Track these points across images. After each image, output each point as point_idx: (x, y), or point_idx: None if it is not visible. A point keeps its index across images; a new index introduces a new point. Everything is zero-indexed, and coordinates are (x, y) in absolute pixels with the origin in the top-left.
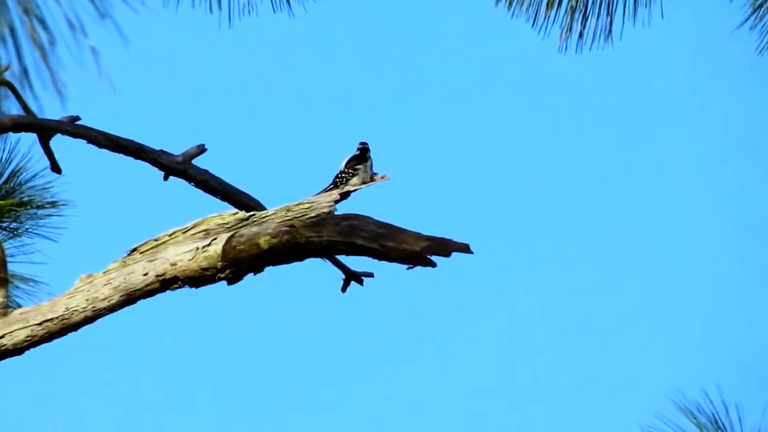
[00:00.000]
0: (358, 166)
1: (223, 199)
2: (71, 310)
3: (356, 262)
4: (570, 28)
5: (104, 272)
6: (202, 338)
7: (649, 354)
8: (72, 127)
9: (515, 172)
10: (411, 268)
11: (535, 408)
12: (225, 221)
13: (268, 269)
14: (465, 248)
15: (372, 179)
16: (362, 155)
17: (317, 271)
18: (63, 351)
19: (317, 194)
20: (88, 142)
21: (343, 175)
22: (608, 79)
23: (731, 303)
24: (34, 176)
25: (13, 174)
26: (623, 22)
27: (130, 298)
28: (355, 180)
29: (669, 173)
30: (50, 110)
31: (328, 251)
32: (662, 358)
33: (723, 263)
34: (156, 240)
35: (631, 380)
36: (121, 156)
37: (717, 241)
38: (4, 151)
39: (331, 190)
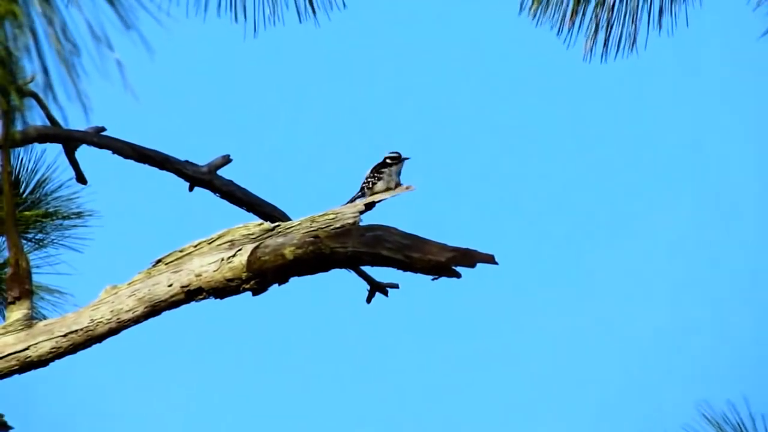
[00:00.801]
0: (383, 170)
1: (248, 210)
2: (96, 321)
3: (381, 273)
4: (595, 37)
5: (129, 283)
6: (226, 349)
7: (676, 365)
8: (97, 138)
9: (540, 182)
10: (436, 278)
11: (558, 423)
12: (250, 232)
13: (293, 280)
14: (490, 259)
15: (396, 187)
16: (389, 164)
17: (342, 282)
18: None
19: (342, 205)
20: (114, 153)
21: (369, 179)
22: (634, 86)
23: (759, 314)
24: (60, 187)
25: (39, 184)
26: (648, 31)
27: (155, 309)
28: (380, 184)
29: (698, 180)
30: (75, 121)
31: (353, 262)
32: (689, 369)
33: (752, 274)
34: (181, 251)
35: (657, 392)
36: (147, 166)
37: (752, 252)
38: (29, 161)
39: (358, 197)
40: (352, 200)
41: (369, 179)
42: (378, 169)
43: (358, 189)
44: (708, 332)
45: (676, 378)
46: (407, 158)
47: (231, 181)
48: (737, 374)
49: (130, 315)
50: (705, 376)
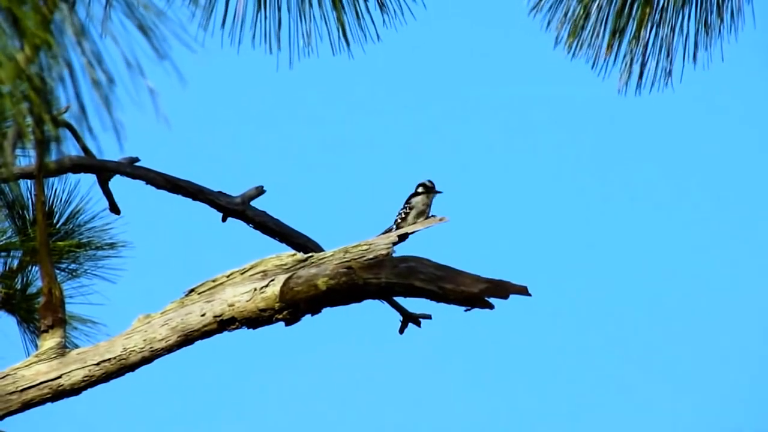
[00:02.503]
0: (412, 200)
1: (281, 241)
2: (129, 350)
3: (414, 304)
4: (630, 71)
5: (162, 313)
6: (258, 378)
7: (707, 393)
8: (131, 168)
9: (575, 213)
10: (468, 310)
11: None
12: (283, 262)
13: (326, 310)
14: (523, 290)
15: (425, 218)
16: (421, 193)
17: (374, 312)
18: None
19: (376, 236)
20: (147, 183)
21: (401, 212)
22: (668, 120)
23: None
24: (93, 218)
25: (73, 215)
26: (683, 65)
27: (188, 338)
28: (412, 214)
29: (730, 212)
30: (109, 151)
31: (385, 293)
32: (720, 397)
33: None
34: (214, 281)
35: (690, 420)
36: (180, 197)
37: None
38: (63, 192)
39: (392, 229)
40: (386, 232)
41: (401, 211)
42: (408, 201)
43: (393, 221)
44: (739, 359)
45: (707, 407)
46: (440, 192)
47: (264, 212)
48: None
49: (163, 344)
50: (736, 405)
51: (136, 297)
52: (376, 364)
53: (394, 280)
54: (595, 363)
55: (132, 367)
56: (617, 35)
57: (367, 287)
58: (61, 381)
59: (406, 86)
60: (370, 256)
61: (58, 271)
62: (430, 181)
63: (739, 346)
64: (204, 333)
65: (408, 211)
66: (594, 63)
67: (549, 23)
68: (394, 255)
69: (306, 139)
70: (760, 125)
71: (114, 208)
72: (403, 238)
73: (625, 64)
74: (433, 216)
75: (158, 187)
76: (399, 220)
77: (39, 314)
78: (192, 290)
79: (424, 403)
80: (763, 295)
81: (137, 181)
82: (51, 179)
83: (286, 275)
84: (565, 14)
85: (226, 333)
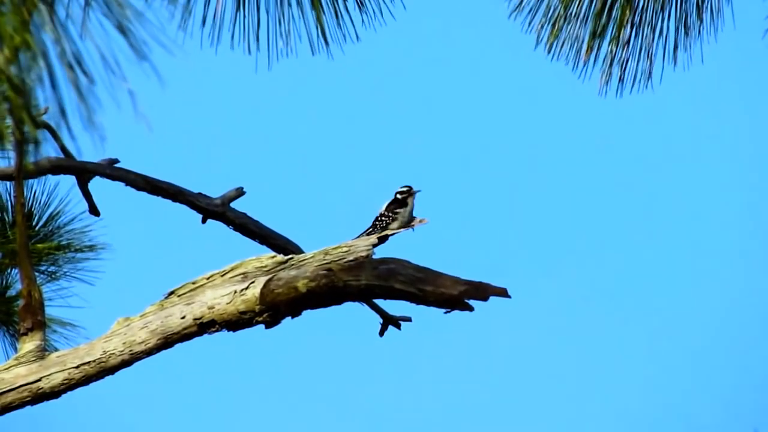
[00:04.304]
0: (398, 210)
1: (261, 242)
2: (108, 353)
3: (393, 306)
4: (610, 72)
5: (141, 315)
6: (239, 380)
7: (727, 394)
8: (110, 170)
9: (555, 215)
10: (448, 312)
11: None
12: (263, 264)
13: (306, 313)
14: (503, 292)
15: (410, 223)
16: (403, 200)
17: (355, 315)
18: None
19: (356, 238)
20: (127, 185)
21: (383, 218)
22: (649, 121)
23: None
24: (73, 220)
25: (52, 217)
26: (663, 66)
27: (168, 341)
28: (394, 225)
29: (709, 213)
30: (88, 153)
31: (366, 295)
32: (740, 398)
33: None
34: (194, 283)
35: (709, 421)
36: (160, 199)
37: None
38: (43, 193)
39: (370, 233)
40: (364, 234)
41: (383, 218)
42: (393, 209)
43: (370, 224)
44: (757, 360)
45: (728, 407)
46: (419, 191)
47: (244, 214)
48: None
49: (142, 347)
50: (754, 406)
51: (115, 299)
52: (356, 366)
53: (374, 282)
54: (576, 364)
55: (112, 370)
56: (597, 36)
57: (347, 289)
58: (40, 384)
59: (386, 87)
60: (350, 258)
61: (37, 274)
62: (408, 186)
63: (737, 347)
64: (184, 336)
65: (389, 221)
66: (574, 64)
67: (530, 24)
68: (374, 257)
69: (286, 141)
70: (739, 126)
71: (93, 210)
72: (383, 239)
73: (605, 66)
74: (414, 217)
75: (138, 188)
76: (381, 228)
77: (18, 317)
78: (172, 292)
79: (402, 405)
80: (747, 293)
81: (117, 182)
82: (30, 181)
83: (267, 277)
84: (546, 15)
85: (205, 335)
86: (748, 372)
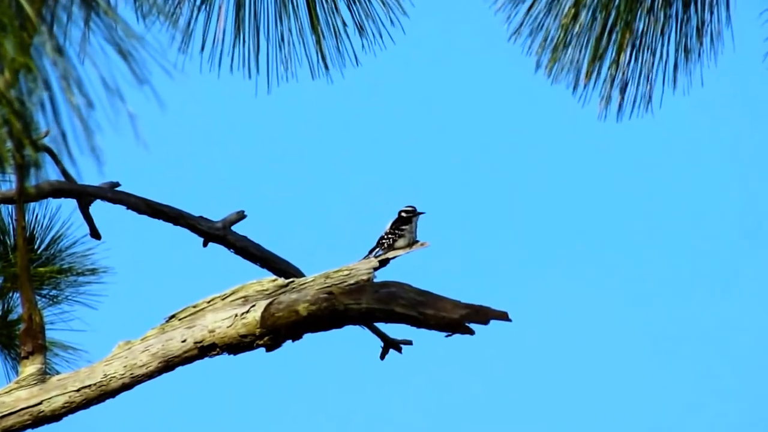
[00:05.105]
0: (404, 227)
1: (262, 266)
2: (109, 376)
3: (394, 330)
4: (609, 96)
5: (142, 339)
6: (239, 404)
7: (727, 394)
8: (112, 193)
9: (555, 238)
10: (449, 335)
11: None
12: (264, 288)
13: (307, 336)
14: (503, 316)
15: (412, 245)
16: (408, 218)
17: (355, 338)
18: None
19: (358, 260)
20: (128, 208)
21: (389, 236)
22: (649, 146)
23: None
24: (74, 243)
25: (54, 240)
26: (663, 90)
27: (168, 364)
28: (401, 242)
29: (710, 235)
30: (89, 176)
31: (366, 318)
32: (740, 398)
33: None
34: (194, 306)
35: (709, 421)
36: (161, 222)
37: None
38: (44, 217)
39: (375, 250)
40: (370, 253)
41: (390, 236)
42: (398, 226)
43: (375, 244)
44: None
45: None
46: (422, 213)
47: (245, 237)
48: None
49: (143, 370)
50: None
51: (116, 323)
52: (358, 390)
53: (375, 306)
54: (577, 388)
55: (112, 393)
56: (597, 60)
57: (348, 313)
58: (41, 407)
59: (386, 110)
60: (351, 282)
61: (39, 297)
62: (412, 207)
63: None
64: (185, 359)
65: (396, 238)
66: (574, 88)
67: (529, 48)
68: (375, 280)
69: (286, 164)
70: (739, 150)
71: (95, 234)
72: (384, 263)
73: (605, 90)
74: (416, 241)
75: (139, 212)
76: (387, 245)
77: (19, 340)
78: (173, 316)
79: (404, 429)
80: (747, 293)
81: (118, 205)
82: (32, 204)
83: (267, 301)
84: (545, 39)
85: (206, 359)
86: (748, 372)
